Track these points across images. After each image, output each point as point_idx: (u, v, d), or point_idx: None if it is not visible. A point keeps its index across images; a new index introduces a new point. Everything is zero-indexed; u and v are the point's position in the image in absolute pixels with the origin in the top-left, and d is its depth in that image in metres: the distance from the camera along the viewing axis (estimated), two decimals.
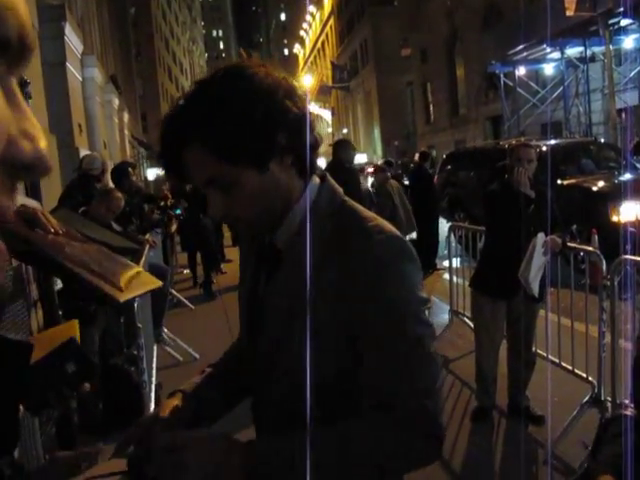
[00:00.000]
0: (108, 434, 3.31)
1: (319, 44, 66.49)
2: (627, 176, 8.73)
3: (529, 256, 3.63)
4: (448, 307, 5.98)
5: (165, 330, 6.02)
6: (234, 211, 1.12)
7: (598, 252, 3.80)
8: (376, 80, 45.27)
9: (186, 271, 9.91)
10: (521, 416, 3.92)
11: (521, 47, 19.03)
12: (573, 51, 18.47)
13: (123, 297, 1.87)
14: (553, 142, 10.35)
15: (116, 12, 31.80)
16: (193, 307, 7.67)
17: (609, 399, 3.55)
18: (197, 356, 5.37)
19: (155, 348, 5.38)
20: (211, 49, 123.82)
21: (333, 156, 6.33)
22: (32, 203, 2.37)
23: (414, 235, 8.68)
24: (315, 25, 69.16)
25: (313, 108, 64.43)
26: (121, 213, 5.11)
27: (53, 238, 1.85)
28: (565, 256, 4.31)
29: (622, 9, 14.47)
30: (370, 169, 21.82)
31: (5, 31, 0.36)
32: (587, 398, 3.67)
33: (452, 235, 6.07)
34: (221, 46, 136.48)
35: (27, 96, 6.50)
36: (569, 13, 15.97)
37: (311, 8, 67.81)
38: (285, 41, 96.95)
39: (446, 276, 7.03)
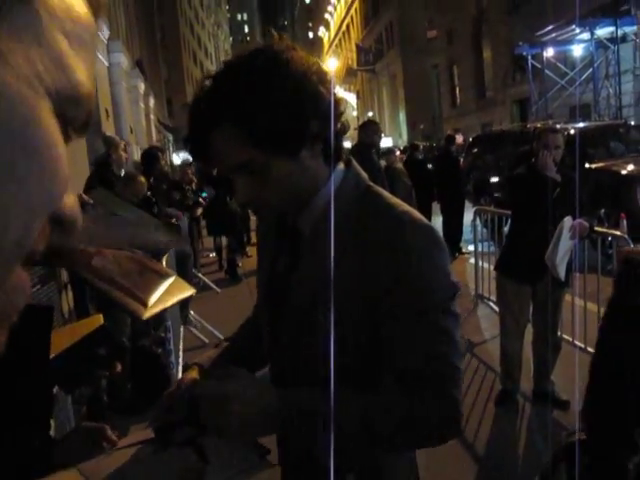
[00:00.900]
0: (136, 413, 3.39)
1: (344, 27, 65.91)
2: None
3: (556, 239, 3.61)
4: (473, 291, 5.96)
5: (191, 312, 6.10)
6: (261, 197, 1.11)
7: (626, 236, 3.75)
8: (402, 63, 44.79)
9: (212, 255, 10.00)
10: (546, 401, 3.91)
11: (549, 28, 18.65)
12: (603, 31, 18.04)
13: (147, 313, 1.86)
14: (581, 125, 10.18)
15: None
16: (219, 290, 7.75)
17: None
18: (222, 338, 5.44)
19: (182, 330, 5.47)
20: (236, 33, 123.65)
21: (358, 139, 6.26)
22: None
23: None
24: (340, 7, 68.54)
25: (338, 91, 64.14)
26: (144, 198, 5.16)
27: (83, 248, 1.84)
28: (592, 240, 4.27)
29: None
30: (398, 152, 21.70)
31: (80, 115, 0.37)
32: None
33: (477, 219, 6.03)
34: (246, 30, 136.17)
35: None
36: None
37: None
38: (310, 24, 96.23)
39: (471, 260, 7.00)
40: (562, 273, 3.67)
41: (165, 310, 4.03)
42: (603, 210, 7.59)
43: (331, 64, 59.00)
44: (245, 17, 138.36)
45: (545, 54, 20.39)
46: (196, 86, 1.12)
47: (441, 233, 9.10)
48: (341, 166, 1.18)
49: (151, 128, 27.16)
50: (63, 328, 2.64)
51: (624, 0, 15.77)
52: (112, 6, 18.95)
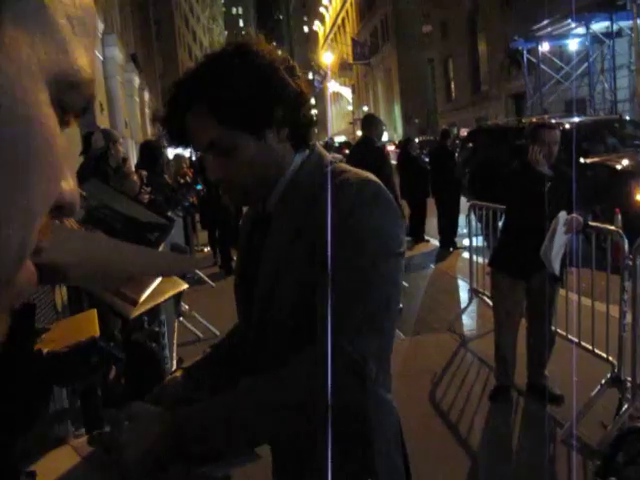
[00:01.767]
0: None
1: (339, 21, 65.77)
2: None
3: (551, 234, 3.61)
4: (468, 286, 5.96)
5: (186, 307, 6.09)
6: (230, 176, 1.19)
7: (620, 231, 3.75)
8: (397, 57, 44.75)
9: (207, 249, 9.98)
10: (540, 395, 3.92)
11: (545, 22, 18.65)
12: (599, 26, 18.03)
13: (136, 312, 1.83)
14: (577, 120, 10.18)
15: None
16: (214, 284, 7.74)
17: (629, 379, 3.53)
18: (217, 332, 5.43)
19: (176, 324, 5.45)
20: (231, 27, 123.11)
21: (363, 133, 6.28)
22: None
23: None
24: (335, 1, 68.35)
25: (333, 86, 64.01)
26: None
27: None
28: (586, 235, 4.27)
29: None
30: (391, 147, 21.69)
31: (80, 101, 0.38)
32: (607, 378, 3.66)
33: (472, 213, 6.03)
34: (241, 24, 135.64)
35: None
36: None
37: None
38: (305, 18, 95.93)
39: (466, 255, 7.01)
40: (557, 268, 3.68)
41: (159, 305, 4.03)
42: (599, 206, 7.60)
43: (326, 58, 58.93)
44: (240, 11, 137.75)
45: (540, 48, 20.38)
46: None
47: (436, 228, 9.04)
48: (306, 151, 1.26)
49: (146, 122, 27.06)
50: (57, 323, 2.62)
51: None
52: (107, 0, 18.85)
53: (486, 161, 10.05)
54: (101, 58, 15.16)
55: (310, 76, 75.60)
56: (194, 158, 11.38)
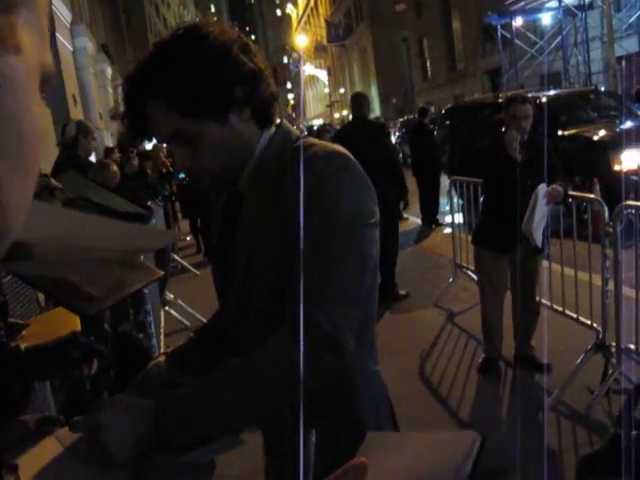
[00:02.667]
0: None
1: (312, 3, 65.20)
2: (628, 124, 8.63)
3: (532, 207, 3.63)
4: (452, 262, 6.00)
5: (171, 295, 6.07)
6: (198, 163, 1.17)
7: (600, 199, 3.79)
8: (371, 37, 44.52)
9: (189, 237, 9.94)
10: (527, 365, 3.97)
11: None
12: None
13: (94, 309, 1.77)
14: (552, 92, 10.22)
15: None
16: (198, 272, 7.71)
17: (613, 344, 3.59)
18: (204, 320, 5.41)
19: (162, 314, 5.43)
20: (202, 12, 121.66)
21: (353, 112, 5.98)
22: None
23: None
24: None
25: (309, 68, 63.60)
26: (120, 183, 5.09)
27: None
28: (567, 206, 4.31)
29: None
30: None
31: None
32: (592, 344, 3.71)
33: (453, 189, 6.05)
34: (212, 9, 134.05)
35: None
36: None
37: None
38: (277, 1, 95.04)
39: (448, 231, 7.04)
40: (539, 239, 3.71)
41: (144, 294, 4.01)
42: (577, 177, 7.65)
43: (300, 41, 58.50)
44: None
45: (514, 23, 20.38)
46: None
47: (418, 206, 9.03)
48: (272, 129, 1.24)
49: (120, 110, 26.74)
50: (37, 317, 2.60)
51: None
52: None
53: (464, 138, 10.08)
54: (71, 49, 14.91)
55: (285, 60, 75.11)
56: None
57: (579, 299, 3.96)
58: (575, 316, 4.01)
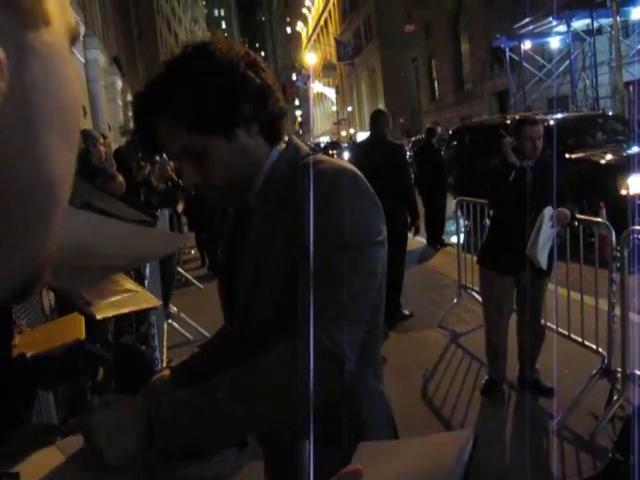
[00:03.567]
0: None
1: (322, 21, 65.80)
2: (635, 149, 8.65)
3: (537, 229, 3.63)
4: (456, 282, 5.98)
5: (174, 309, 6.06)
6: (206, 179, 1.18)
7: (607, 223, 3.78)
8: (380, 57, 44.86)
9: (193, 251, 9.94)
10: (531, 388, 3.94)
11: (527, 20, 18.77)
12: (580, 24, 18.19)
13: (101, 314, 1.76)
14: (560, 116, 10.26)
15: None
16: (202, 286, 7.70)
17: (619, 370, 3.56)
18: (207, 334, 5.41)
19: (165, 327, 5.42)
20: (213, 29, 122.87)
21: (372, 130, 5.76)
22: None
23: None
24: (317, 2, 68.40)
25: (317, 86, 64.01)
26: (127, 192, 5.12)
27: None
28: (573, 230, 4.30)
29: None
30: None
31: None
32: (597, 369, 3.68)
33: (459, 210, 6.05)
34: (223, 26, 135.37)
35: None
36: None
37: None
38: (287, 19, 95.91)
39: (453, 251, 7.02)
40: (543, 262, 3.70)
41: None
42: (584, 201, 7.65)
43: (310, 59, 58.94)
44: (222, 13, 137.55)
45: (523, 46, 20.53)
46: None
47: (423, 226, 8.98)
48: (282, 145, 1.25)
49: (130, 126, 26.90)
50: (42, 326, 2.59)
51: None
52: (88, 2, 18.71)
53: (471, 159, 10.11)
54: (82, 61, 15.05)
55: (294, 77, 75.58)
56: None
57: (585, 323, 3.94)
58: (580, 340, 3.98)
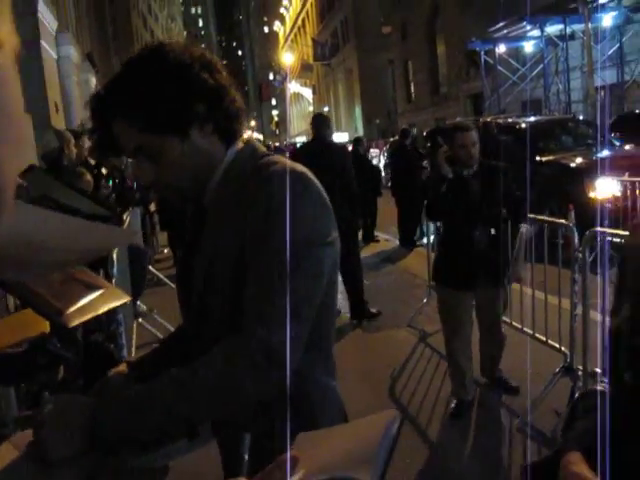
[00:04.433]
0: None
1: (299, 22, 65.74)
2: (604, 152, 8.82)
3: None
4: (426, 283, 6.03)
5: (143, 306, 6.03)
6: (162, 178, 1.20)
7: (571, 225, 3.85)
8: (357, 58, 44.96)
9: (166, 250, 9.87)
10: (496, 388, 4.00)
11: (501, 24, 18.99)
12: (553, 29, 18.47)
13: (74, 321, 1.74)
14: (532, 119, 10.41)
15: None
16: (174, 286, 7.65)
17: (580, 368, 3.64)
18: None
19: (135, 325, 5.39)
20: (190, 27, 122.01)
21: (313, 133, 5.90)
22: None
23: None
24: (295, 2, 68.33)
25: (294, 86, 63.94)
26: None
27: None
28: (540, 230, 4.37)
29: None
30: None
31: None
32: (559, 368, 3.75)
33: None
34: (200, 24, 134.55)
35: None
36: None
37: None
38: (265, 18, 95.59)
39: (424, 251, 7.08)
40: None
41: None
42: (554, 202, 7.77)
43: (287, 58, 58.84)
44: (199, 11, 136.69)
45: (497, 50, 20.76)
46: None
47: (397, 227, 8.98)
48: (239, 145, 1.25)
49: None
50: (7, 317, 2.56)
51: None
52: None
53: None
54: (55, 57, 14.85)
55: (271, 77, 75.41)
56: None
57: (548, 322, 4.01)
58: (544, 339, 4.05)
